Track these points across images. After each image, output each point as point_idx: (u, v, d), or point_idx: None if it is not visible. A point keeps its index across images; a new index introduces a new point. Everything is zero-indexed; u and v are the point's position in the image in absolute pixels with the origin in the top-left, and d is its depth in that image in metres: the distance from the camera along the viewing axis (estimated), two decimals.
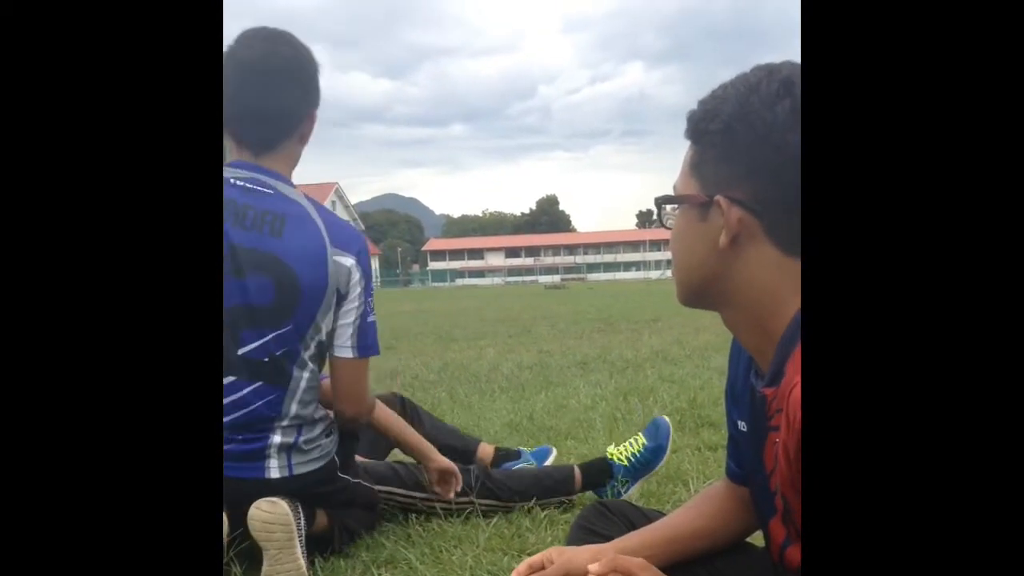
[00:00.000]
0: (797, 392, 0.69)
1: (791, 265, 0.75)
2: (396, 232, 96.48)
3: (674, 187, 0.83)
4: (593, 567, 0.85)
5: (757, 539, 1.07)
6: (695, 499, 1.03)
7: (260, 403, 1.40)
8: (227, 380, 1.37)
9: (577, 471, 1.89)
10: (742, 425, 0.90)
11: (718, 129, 0.75)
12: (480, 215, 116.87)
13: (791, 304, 0.75)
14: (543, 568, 0.90)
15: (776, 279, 0.76)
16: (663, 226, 0.84)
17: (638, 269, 69.09)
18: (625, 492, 1.89)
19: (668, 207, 0.83)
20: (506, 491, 1.81)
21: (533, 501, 1.81)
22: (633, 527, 1.06)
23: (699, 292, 0.82)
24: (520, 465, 2.06)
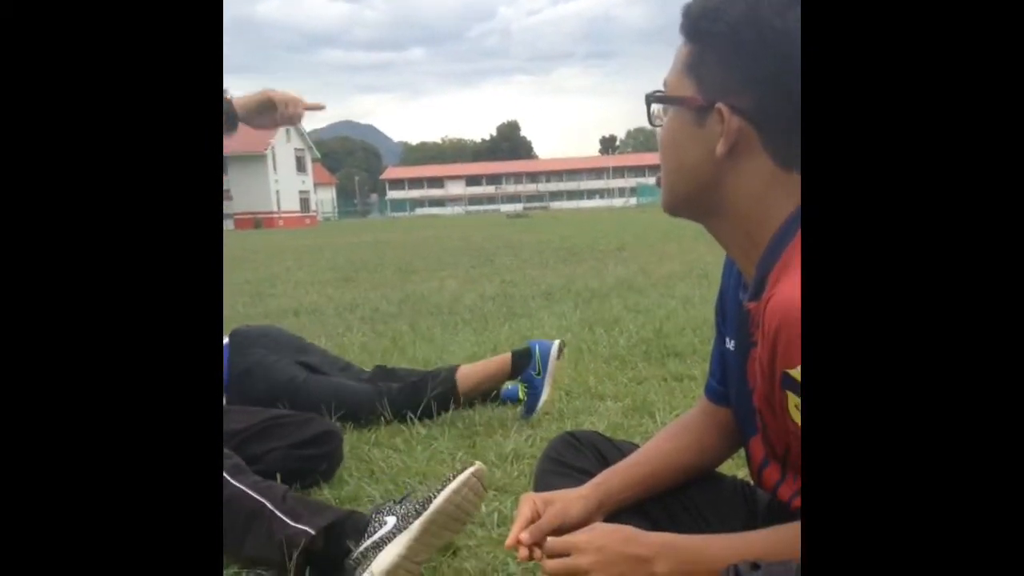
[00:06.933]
0: (773, 303, 0.68)
1: (783, 176, 0.74)
2: (353, 161, 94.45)
3: (665, 83, 0.79)
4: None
5: (728, 468, 1.06)
6: (670, 430, 1.01)
7: None
8: None
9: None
10: (730, 343, 0.88)
11: (722, 31, 0.71)
12: (439, 142, 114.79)
13: (779, 214, 0.74)
14: (534, 522, 0.87)
15: (768, 190, 0.74)
16: (651, 124, 0.81)
17: (602, 197, 69.12)
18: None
19: (658, 106, 0.79)
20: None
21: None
22: (603, 458, 1.04)
23: (688, 199, 0.80)
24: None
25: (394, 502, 1.25)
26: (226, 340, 2.03)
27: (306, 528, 1.20)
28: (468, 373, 2.08)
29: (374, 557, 1.17)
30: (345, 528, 1.22)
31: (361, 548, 1.18)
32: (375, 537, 1.19)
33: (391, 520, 1.20)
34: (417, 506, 1.19)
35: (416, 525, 1.16)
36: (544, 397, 2.01)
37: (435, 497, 1.18)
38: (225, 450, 1.37)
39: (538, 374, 2.02)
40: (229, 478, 1.29)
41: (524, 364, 2.04)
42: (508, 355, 2.07)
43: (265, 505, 1.24)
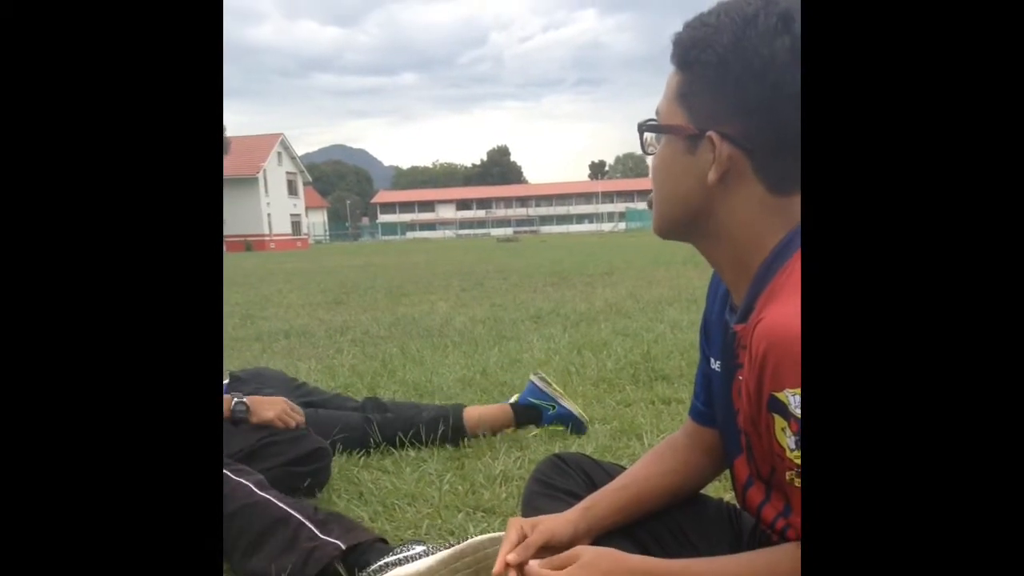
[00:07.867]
0: (761, 327, 0.69)
1: (774, 202, 0.75)
2: (344, 184, 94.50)
3: (657, 112, 0.80)
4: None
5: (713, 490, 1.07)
6: (656, 453, 1.01)
7: None
8: None
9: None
10: (715, 364, 0.88)
11: (711, 61, 0.72)
12: (430, 166, 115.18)
13: (771, 240, 0.75)
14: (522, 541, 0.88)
15: (759, 216, 0.75)
16: (643, 152, 0.82)
17: (591, 221, 69.28)
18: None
19: (650, 134, 0.80)
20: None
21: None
22: (590, 480, 1.04)
23: (680, 225, 0.81)
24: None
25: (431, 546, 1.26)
26: (225, 381, 2.02)
27: (337, 542, 1.21)
28: (474, 416, 2.08)
29: (390, 570, 1.18)
30: (369, 552, 1.22)
31: (380, 563, 1.19)
32: (399, 556, 1.20)
33: (419, 548, 1.21)
34: (452, 542, 1.21)
35: (445, 553, 1.17)
36: (576, 411, 2.09)
37: (472, 538, 1.20)
38: (247, 467, 1.40)
39: (553, 409, 2.08)
40: (255, 489, 1.31)
41: (531, 414, 2.10)
42: (507, 406, 2.12)
43: (293, 515, 1.25)
